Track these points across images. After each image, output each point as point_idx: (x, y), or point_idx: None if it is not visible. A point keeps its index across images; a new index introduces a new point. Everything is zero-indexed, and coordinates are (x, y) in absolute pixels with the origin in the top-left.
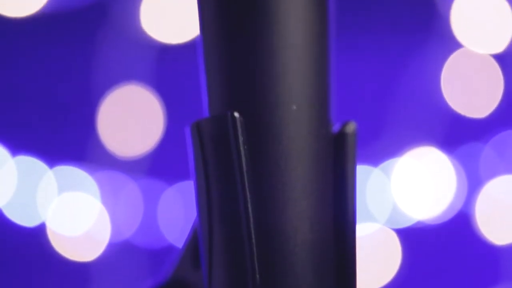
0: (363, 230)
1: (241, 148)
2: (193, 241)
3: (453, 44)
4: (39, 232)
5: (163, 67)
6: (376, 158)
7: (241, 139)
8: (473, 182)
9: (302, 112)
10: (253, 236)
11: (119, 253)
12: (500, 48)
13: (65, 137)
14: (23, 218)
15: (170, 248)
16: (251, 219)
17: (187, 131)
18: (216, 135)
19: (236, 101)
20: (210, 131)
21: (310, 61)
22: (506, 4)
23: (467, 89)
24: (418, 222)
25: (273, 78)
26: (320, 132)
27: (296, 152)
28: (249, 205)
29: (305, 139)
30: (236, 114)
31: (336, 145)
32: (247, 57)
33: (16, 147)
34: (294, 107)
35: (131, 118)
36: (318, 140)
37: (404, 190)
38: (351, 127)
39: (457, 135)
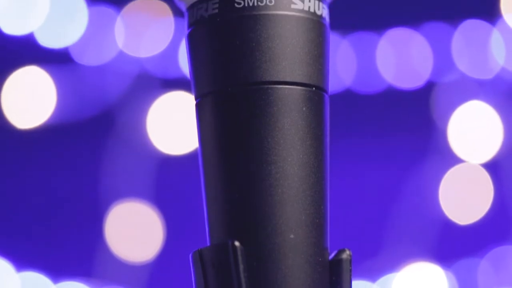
0: None
1: (242, 276)
2: None
3: (451, 159)
4: None
5: (167, 178)
6: (374, 273)
7: (241, 267)
8: None
9: (299, 241)
10: None
11: None
12: (490, 157)
13: (69, 252)
14: None
15: None
16: None
17: (190, 258)
18: (217, 262)
19: (236, 229)
20: (212, 259)
21: (307, 190)
22: (497, 117)
23: (463, 200)
24: None
25: (272, 208)
26: (316, 259)
27: (294, 279)
28: None
29: (303, 267)
30: (237, 243)
31: (332, 271)
32: (246, 188)
33: (21, 262)
34: (292, 236)
35: (133, 232)
36: (315, 267)
37: None
38: (346, 253)
39: (453, 249)
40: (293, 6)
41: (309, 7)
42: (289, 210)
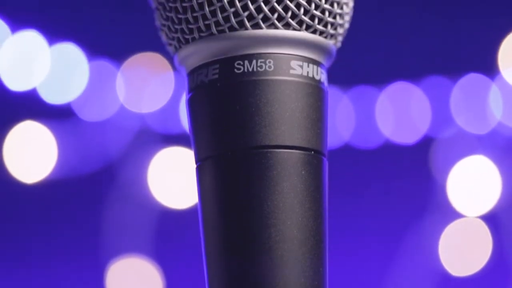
0: None
1: None
2: None
3: (450, 213)
4: None
5: (167, 232)
6: None
7: None
8: None
9: None
10: None
11: None
12: (489, 210)
13: None
14: None
15: None
16: None
17: None
18: None
19: None
20: None
21: (306, 253)
22: (496, 171)
23: (462, 253)
24: None
25: (272, 271)
26: None
27: None
28: None
29: None
30: None
31: None
32: (246, 251)
33: None
34: None
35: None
36: None
37: None
38: None
39: None
40: (292, 71)
41: (307, 72)
42: (288, 273)
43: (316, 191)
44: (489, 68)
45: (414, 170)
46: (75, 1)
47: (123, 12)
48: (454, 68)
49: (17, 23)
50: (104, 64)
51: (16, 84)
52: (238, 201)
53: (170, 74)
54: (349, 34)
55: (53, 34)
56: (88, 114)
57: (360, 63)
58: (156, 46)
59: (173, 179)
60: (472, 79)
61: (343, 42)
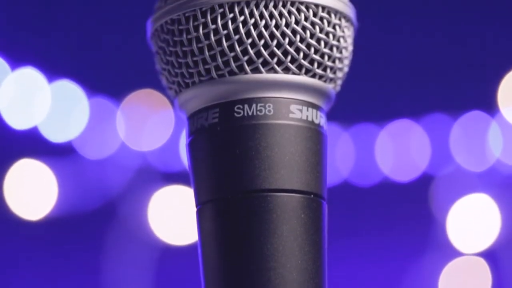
0: None
1: None
2: None
3: (450, 252)
4: None
5: (168, 269)
6: None
7: None
8: None
9: None
10: None
11: None
12: (488, 247)
13: None
14: None
15: None
16: None
17: None
18: None
19: None
20: None
21: None
22: (495, 206)
23: None
24: None
25: None
26: None
27: None
28: None
29: None
30: None
31: None
32: None
33: None
34: None
35: None
36: None
37: None
38: None
39: None
40: (291, 115)
41: (307, 116)
42: None
43: (315, 234)
44: (489, 106)
45: (413, 208)
46: (72, 38)
47: (120, 49)
48: (455, 105)
49: (16, 60)
50: (104, 102)
51: (18, 122)
52: (238, 244)
53: (169, 111)
54: (350, 72)
55: (52, 71)
56: (89, 152)
57: (362, 100)
58: (155, 83)
59: (173, 216)
60: (473, 116)
61: (344, 80)
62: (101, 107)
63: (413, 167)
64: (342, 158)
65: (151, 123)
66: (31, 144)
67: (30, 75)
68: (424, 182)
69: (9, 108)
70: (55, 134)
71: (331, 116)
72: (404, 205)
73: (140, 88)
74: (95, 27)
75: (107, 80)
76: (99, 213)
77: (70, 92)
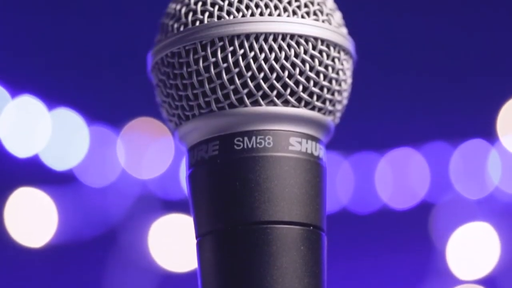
0: None
1: None
2: None
3: (449, 279)
4: None
5: None
6: None
7: None
8: None
9: None
10: None
11: None
12: (487, 273)
13: None
14: None
15: None
16: None
17: None
18: None
19: None
20: None
21: None
22: (494, 234)
23: None
24: None
25: None
26: None
27: None
28: None
29: None
30: None
31: None
32: None
33: None
34: None
35: None
36: None
37: None
38: None
39: None
40: (291, 147)
41: (306, 149)
42: None
43: (315, 266)
44: (489, 135)
45: (412, 235)
46: (72, 66)
47: (120, 77)
48: (455, 133)
49: (16, 88)
50: (104, 130)
51: (19, 150)
52: (238, 276)
53: (169, 139)
54: (351, 100)
55: (52, 99)
56: (90, 180)
57: (362, 128)
58: (155, 111)
59: (173, 243)
60: (472, 144)
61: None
62: (101, 135)
63: (412, 195)
64: (342, 185)
65: (151, 151)
66: (33, 172)
67: (30, 103)
68: (424, 209)
69: (10, 136)
70: (56, 162)
71: (332, 144)
72: (403, 232)
73: (139, 116)
74: (95, 56)
75: (107, 108)
76: (99, 240)
77: (70, 120)
